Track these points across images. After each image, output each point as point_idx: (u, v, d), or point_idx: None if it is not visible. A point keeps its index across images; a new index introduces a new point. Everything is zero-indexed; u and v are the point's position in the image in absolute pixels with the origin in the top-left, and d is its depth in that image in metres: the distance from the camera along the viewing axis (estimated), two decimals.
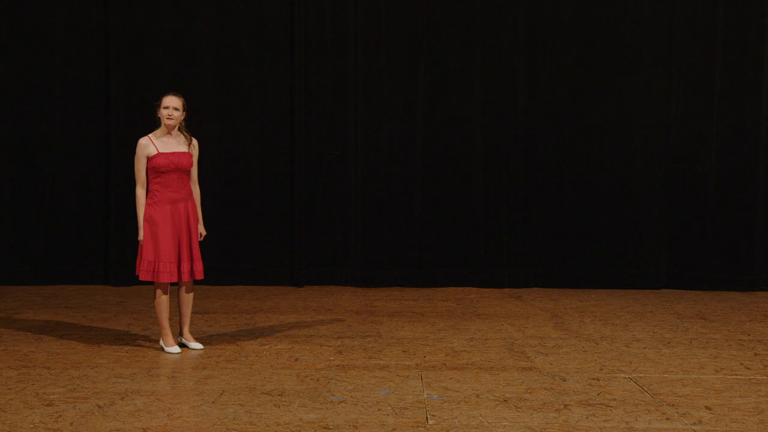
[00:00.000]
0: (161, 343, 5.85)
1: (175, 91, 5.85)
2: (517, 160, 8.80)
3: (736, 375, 5.23)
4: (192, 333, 6.03)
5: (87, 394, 4.73)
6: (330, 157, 8.85)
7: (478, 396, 4.70)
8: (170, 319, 5.92)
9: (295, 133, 8.86)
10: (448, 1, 8.81)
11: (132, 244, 8.89)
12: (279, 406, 4.50)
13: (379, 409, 4.45)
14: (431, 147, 8.77)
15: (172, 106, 5.72)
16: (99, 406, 4.48)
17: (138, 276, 5.78)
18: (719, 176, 8.71)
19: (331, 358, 5.61)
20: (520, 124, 8.79)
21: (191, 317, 6.02)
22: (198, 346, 5.88)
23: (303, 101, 8.85)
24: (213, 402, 4.58)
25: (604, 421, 4.27)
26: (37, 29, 8.90)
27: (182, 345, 5.90)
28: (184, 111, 5.80)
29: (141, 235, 5.76)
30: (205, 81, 8.91)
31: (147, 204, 5.80)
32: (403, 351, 5.80)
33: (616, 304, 7.88)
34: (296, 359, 5.59)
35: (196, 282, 5.97)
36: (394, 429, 4.13)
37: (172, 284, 5.89)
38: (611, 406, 4.52)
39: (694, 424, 4.24)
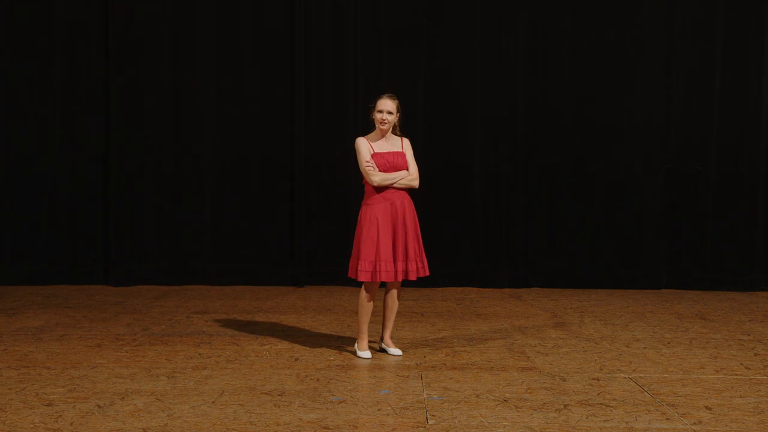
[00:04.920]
0: (355, 346, 5.72)
1: (390, 94, 5.69)
2: (517, 159, 8.80)
3: (736, 375, 5.23)
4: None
5: (87, 394, 4.73)
6: (330, 157, 8.85)
7: (478, 396, 4.70)
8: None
9: (295, 133, 8.87)
10: (448, 0, 8.82)
11: (131, 245, 8.94)
12: (279, 406, 4.49)
13: (379, 409, 4.45)
14: (431, 147, 8.77)
15: (386, 110, 5.59)
16: (99, 406, 4.48)
17: (355, 278, 5.55)
18: (719, 176, 8.71)
19: (331, 358, 5.60)
20: (519, 123, 8.80)
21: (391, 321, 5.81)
22: (397, 352, 5.72)
23: (303, 101, 8.86)
24: (213, 402, 4.58)
25: (604, 421, 4.27)
26: (37, 29, 8.91)
27: (382, 350, 5.79)
28: (398, 113, 5.66)
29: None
30: (205, 81, 8.92)
31: (366, 204, 5.59)
32: (403, 351, 5.80)
33: (616, 304, 7.88)
34: (296, 359, 5.59)
35: (406, 284, 5.69)
36: (394, 429, 4.13)
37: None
38: (611, 406, 4.52)
39: (694, 424, 4.23)
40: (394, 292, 5.71)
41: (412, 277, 5.57)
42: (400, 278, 5.57)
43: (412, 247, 5.58)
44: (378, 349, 5.82)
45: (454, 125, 8.83)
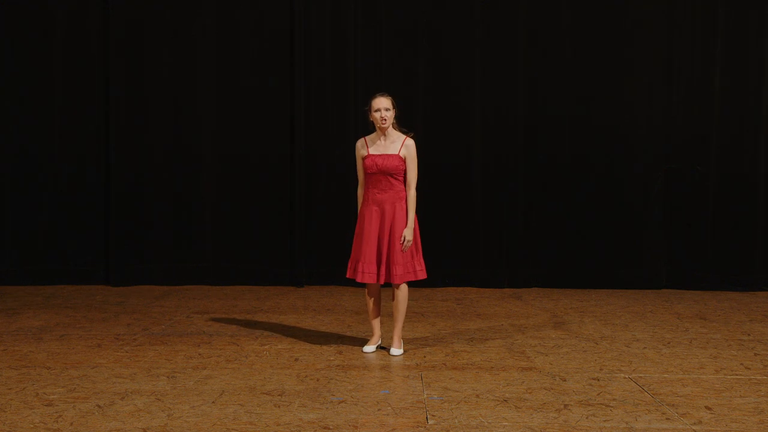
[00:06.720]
0: None
1: (383, 92, 5.69)
2: (517, 159, 8.80)
3: (736, 375, 5.23)
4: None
5: (87, 394, 4.73)
6: (330, 157, 8.85)
7: (478, 396, 4.70)
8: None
9: (295, 133, 8.87)
10: (448, 1, 8.82)
11: (131, 245, 8.94)
12: (279, 406, 4.49)
13: (379, 409, 4.44)
14: (431, 146, 8.76)
15: (383, 108, 5.58)
16: (99, 406, 4.48)
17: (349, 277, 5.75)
18: (719, 176, 8.71)
19: (331, 358, 5.61)
20: (519, 123, 8.79)
21: (402, 322, 5.82)
22: (396, 351, 5.71)
23: (303, 101, 8.86)
24: (213, 402, 4.58)
25: (604, 421, 4.27)
26: (37, 29, 8.91)
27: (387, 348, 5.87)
28: (395, 109, 5.64)
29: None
30: (206, 81, 8.92)
31: (362, 204, 5.73)
32: (403, 351, 5.80)
33: (616, 304, 7.88)
34: (296, 359, 5.59)
35: (414, 285, 5.69)
36: (394, 429, 4.13)
37: (383, 286, 5.88)
38: (611, 406, 4.52)
39: (694, 424, 4.23)
40: (396, 293, 5.72)
41: (397, 281, 5.61)
42: (383, 281, 5.63)
43: (396, 251, 5.58)
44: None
45: (453, 124, 8.83)
